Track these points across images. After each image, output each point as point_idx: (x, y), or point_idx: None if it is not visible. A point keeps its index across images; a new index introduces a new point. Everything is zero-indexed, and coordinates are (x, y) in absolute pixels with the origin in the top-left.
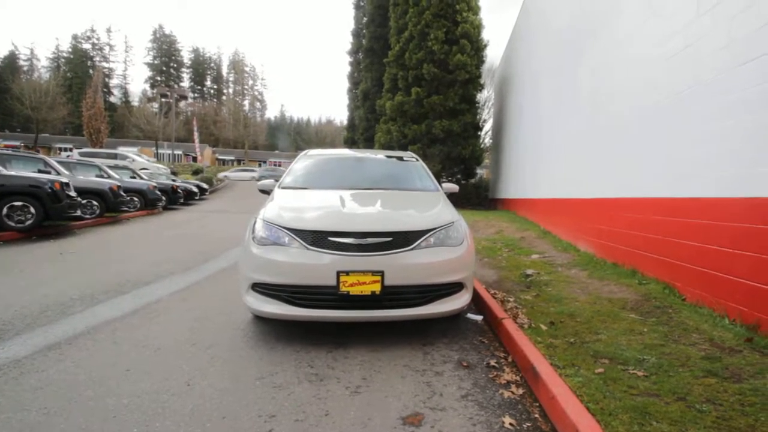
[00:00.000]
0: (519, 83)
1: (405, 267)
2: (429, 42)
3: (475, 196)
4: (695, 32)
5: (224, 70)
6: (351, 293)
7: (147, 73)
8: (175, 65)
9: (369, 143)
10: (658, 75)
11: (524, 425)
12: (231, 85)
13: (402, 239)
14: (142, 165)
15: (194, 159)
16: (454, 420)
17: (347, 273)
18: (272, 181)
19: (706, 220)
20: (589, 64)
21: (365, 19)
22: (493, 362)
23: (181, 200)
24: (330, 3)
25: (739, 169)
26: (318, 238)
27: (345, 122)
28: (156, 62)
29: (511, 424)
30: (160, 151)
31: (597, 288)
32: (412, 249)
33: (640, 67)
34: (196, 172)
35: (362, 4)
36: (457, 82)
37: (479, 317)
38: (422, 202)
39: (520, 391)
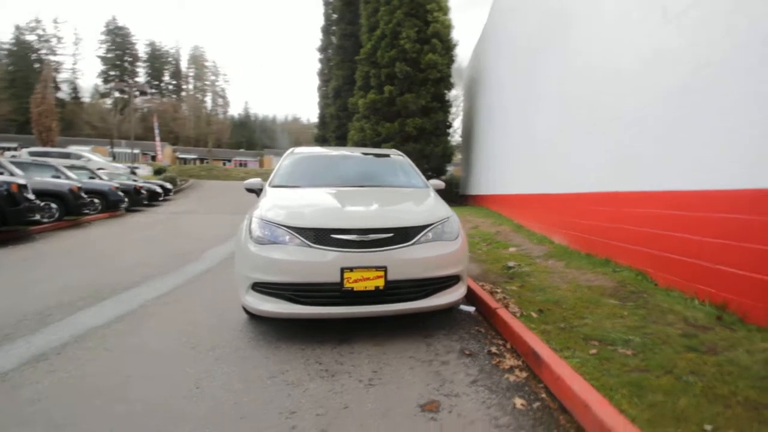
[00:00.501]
0: (488, 84)
1: (406, 262)
2: (401, 40)
3: (446, 192)
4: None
5: (183, 65)
6: (355, 289)
7: (99, 67)
8: (130, 59)
9: (341, 141)
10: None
11: (534, 405)
12: (191, 80)
13: (402, 235)
14: (99, 165)
15: (153, 158)
16: (468, 404)
17: (351, 269)
18: (259, 179)
19: (674, 210)
20: (555, 71)
21: (334, 15)
22: (493, 349)
23: (145, 201)
24: None
25: (695, 163)
26: (320, 236)
27: (313, 120)
28: (110, 56)
29: (522, 404)
30: (116, 149)
31: (575, 277)
32: (412, 244)
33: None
34: (158, 172)
35: (331, 0)
36: (429, 80)
37: (472, 308)
38: (415, 198)
39: (524, 374)
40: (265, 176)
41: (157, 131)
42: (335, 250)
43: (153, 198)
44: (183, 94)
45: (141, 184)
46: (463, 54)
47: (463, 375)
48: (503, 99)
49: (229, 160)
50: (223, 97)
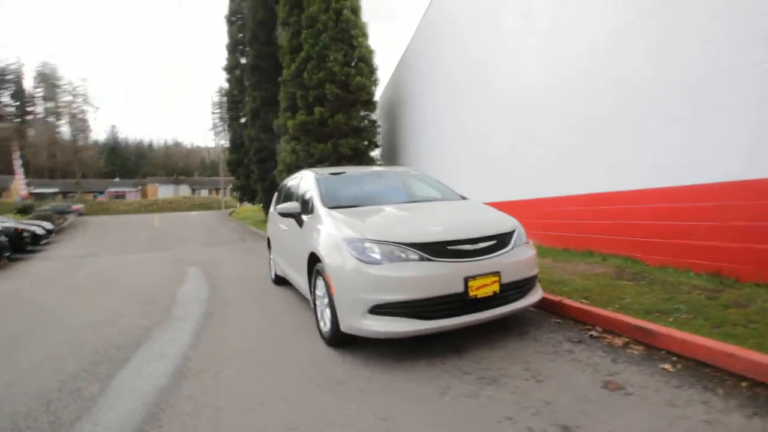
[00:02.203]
0: (412, 108)
1: (512, 265)
2: (329, 63)
3: None
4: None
5: (29, 84)
6: (478, 296)
7: None
8: None
9: (265, 164)
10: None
11: (678, 366)
12: (42, 101)
13: (501, 241)
14: None
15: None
16: (632, 377)
17: (474, 278)
18: (294, 203)
19: (658, 203)
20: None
21: (241, 35)
22: (594, 333)
23: (28, 247)
24: (153, 15)
25: (662, 159)
26: (437, 249)
27: (198, 143)
28: None
29: (669, 367)
30: None
31: (574, 268)
32: (511, 248)
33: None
34: (23, 211)
35: (234, 19)
36: (358, 102)
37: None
38: (474, 208)
39: (640, 347)
40: (151, 207)
41: (19, 161)
42: (456, 261)
43: (34, 242)
44: (29, 117)
45: (22, 226)
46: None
47: (597, 358)
48: (440, 123)
49: (101, 192)
50: (84, 120)
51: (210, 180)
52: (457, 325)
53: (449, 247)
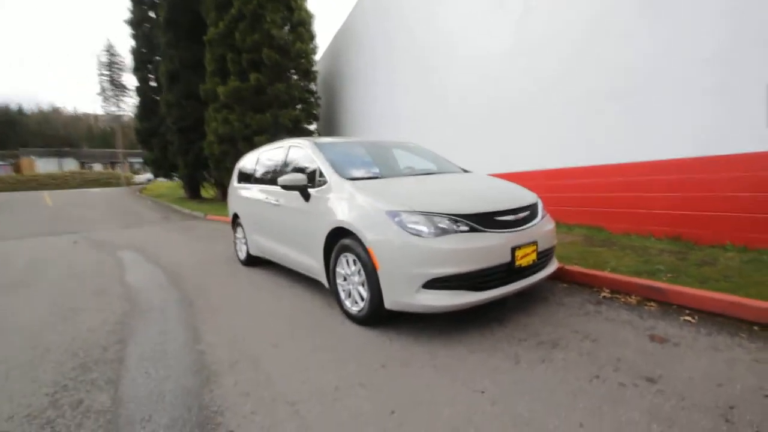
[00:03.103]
0: (359, 80)
1: (544, 234)
2: (266, 25)
3: None
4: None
5: None
6: (522, 265)
7: None
8: None
9: (186, 134)
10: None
11: (695, 318)
12: None
13: (533, 211)
14: None
15: None
16: (668, 330)
17: (519, 247)
18: (300, 175)
19: (620, 177)
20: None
21: None
22: (605, 295)
23: None
24: None
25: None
26: (485, 220)
27: (82, 110)
28: None
29: (690, 318)
30: None
31: None
32: (541, 219)
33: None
34: None
35: None
36: (299, 70)
37: None
38: (496, 180)
39: (653, 304)
40: (31, 184)
41: None
42: (503, 231)
43: None
44: None
45: None
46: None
47: (626, 316)
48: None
49: None
50: None
51: (104, 153)
52: (504, 294)
53: (497, 218)
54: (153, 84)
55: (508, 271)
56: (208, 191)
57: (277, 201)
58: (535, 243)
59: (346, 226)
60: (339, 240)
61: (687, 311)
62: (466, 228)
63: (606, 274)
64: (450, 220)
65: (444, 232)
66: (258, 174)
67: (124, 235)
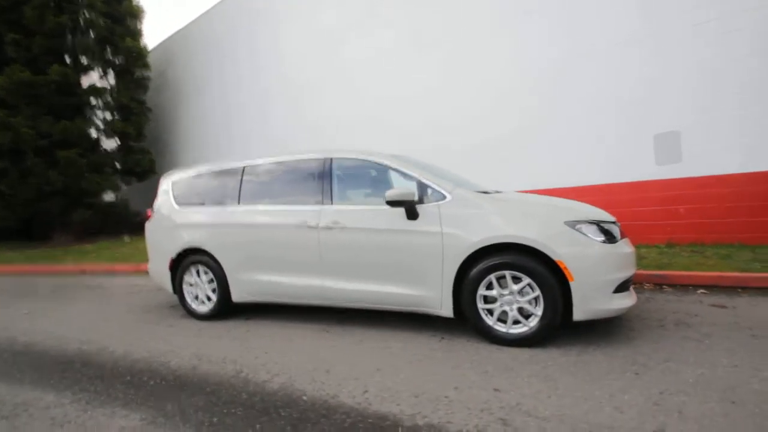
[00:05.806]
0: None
1: None
2: (81, 7)
3: None
4: None
5: None
6: None
7: None
8: None
9: None
10: None
11: (698, 291)
12: None
13: None
14: None
15: None
16: (689, 306)
17: None
18: (409, 189)
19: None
20: None
21: None
22: None
23: None
24: None
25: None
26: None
27: None
28: None
29: (703, 292)
30: None
31: None
32: None
33: None
34: None
35: None
36: (131, 71)
37: None
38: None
39: (670, 288)
40: None
41: None
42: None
43: None
44: None
45: None
46: None
47: (664, 297)
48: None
49: None
50: None
51: None
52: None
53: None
54: None
55: None
56: None
57: (321, 223)
58: None
59: (519, 241)
60: (480, 261)
61: (700, 290)
62: (618, 234)
63: None
64: (613, 227)
65: (614, 237)
66: (254, 192)
67: None
